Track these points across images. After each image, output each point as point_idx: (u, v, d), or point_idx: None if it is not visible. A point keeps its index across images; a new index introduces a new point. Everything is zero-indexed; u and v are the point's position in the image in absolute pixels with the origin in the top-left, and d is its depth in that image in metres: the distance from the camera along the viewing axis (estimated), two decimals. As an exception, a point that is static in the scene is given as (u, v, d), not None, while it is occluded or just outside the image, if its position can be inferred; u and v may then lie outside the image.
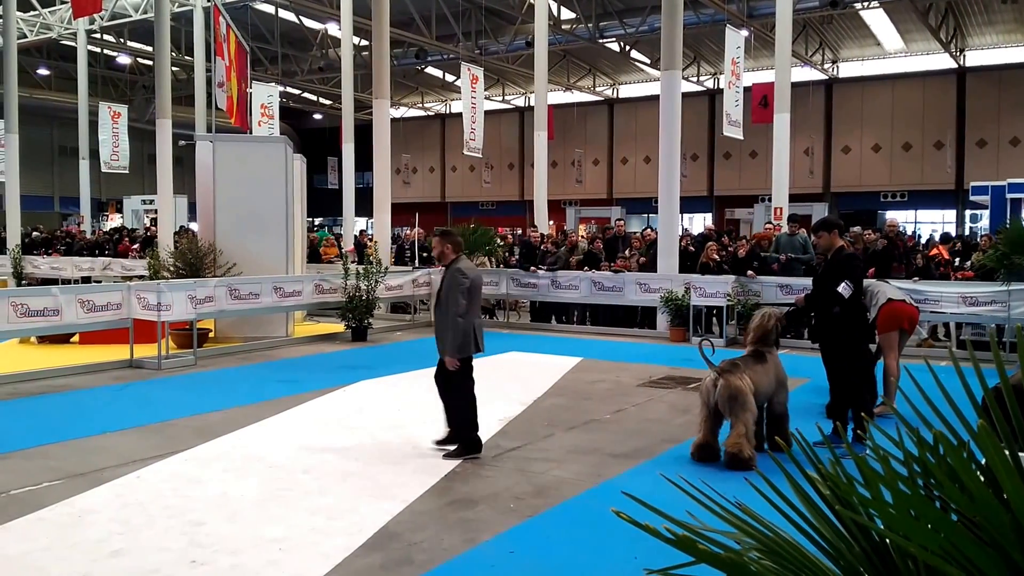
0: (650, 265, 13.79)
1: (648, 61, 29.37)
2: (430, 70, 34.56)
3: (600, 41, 27.52)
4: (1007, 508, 1.46)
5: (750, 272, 12.62)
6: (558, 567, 4.31)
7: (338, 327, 13.63)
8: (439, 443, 6.44)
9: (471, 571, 4.25)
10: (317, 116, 41.78)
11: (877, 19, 26.55)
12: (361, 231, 26.64)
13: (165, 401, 8.38)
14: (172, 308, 10.23)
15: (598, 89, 35.36)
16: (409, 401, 8.26)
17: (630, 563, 4.18)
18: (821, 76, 30.32)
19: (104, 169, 26.79)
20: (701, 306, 12.89)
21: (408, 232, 20.87)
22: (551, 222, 21.69)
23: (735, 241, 15.16)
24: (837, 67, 30.99)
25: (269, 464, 6.06)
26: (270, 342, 12.38)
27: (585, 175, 35.77)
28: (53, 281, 18.09)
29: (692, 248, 14.14)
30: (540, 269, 14.39)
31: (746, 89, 18.41)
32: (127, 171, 27.35)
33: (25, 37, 27.10)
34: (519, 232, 24.98)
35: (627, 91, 35.93)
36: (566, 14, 26.82)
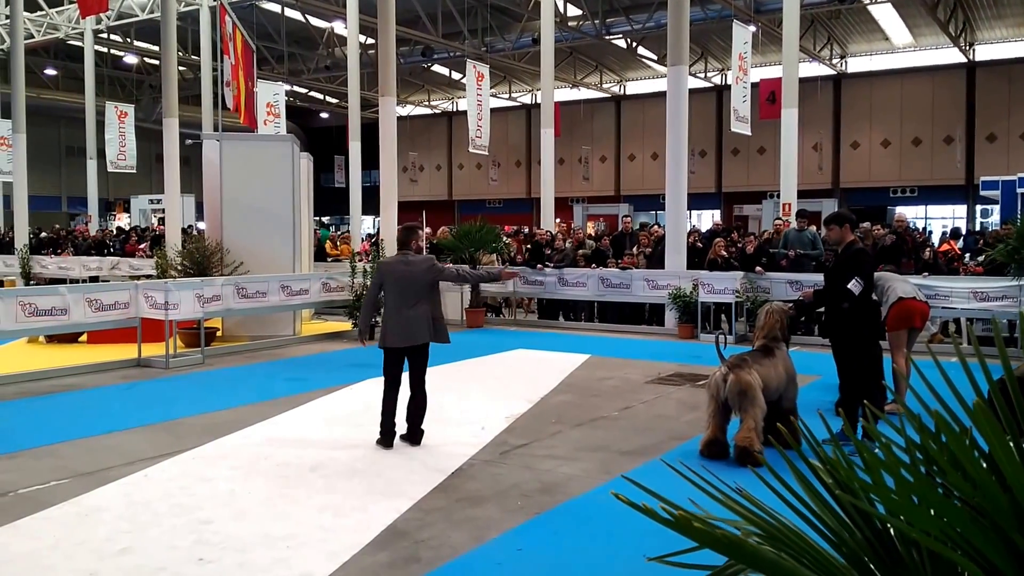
0: (658, 262, 13.75)
1: (655, 57, 29.27)
2: (436, 68, 34.52)
3: (607, 38, 27.42)
4: (1007, 491, 1.44)
5: (758, 268, 12.57)
6: (566, 564, 4.29)
7: (345, 325, 13.62)
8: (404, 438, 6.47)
9: (479, 569, 4.23)
10: (324, 115, 41.83)
11: (885, 13, 26.38)
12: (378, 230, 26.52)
13: (172, 400, 8.38)
14: (179, 307, 10.24)
15: (605, 86, 35.28)
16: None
17: (639, 560, 4.15)
18: (829, 71, 30.17)
19: (110, 169, 26.87)
20: (709, 303, 12.84)
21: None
22: (558, 220, 21.63)
23: (743, 237, 15.09)
24: (845, 62, 30.81)
25: (276, 462, 6.05)
26: (277, 340, 12.39)
27: (592, 172, 35.70)
28: (61, 281, 18.13)
29: (700, 244, 14.09)
30: (547, 267, 14.37)
31: (754, 85, 18.31)
32: (134, 171, 27.41)
33: (32, 37, 27.15)
34: (526, 230, 24.87)
35: (634, 88, 35.85)
36: (572, 11, 26.76)
